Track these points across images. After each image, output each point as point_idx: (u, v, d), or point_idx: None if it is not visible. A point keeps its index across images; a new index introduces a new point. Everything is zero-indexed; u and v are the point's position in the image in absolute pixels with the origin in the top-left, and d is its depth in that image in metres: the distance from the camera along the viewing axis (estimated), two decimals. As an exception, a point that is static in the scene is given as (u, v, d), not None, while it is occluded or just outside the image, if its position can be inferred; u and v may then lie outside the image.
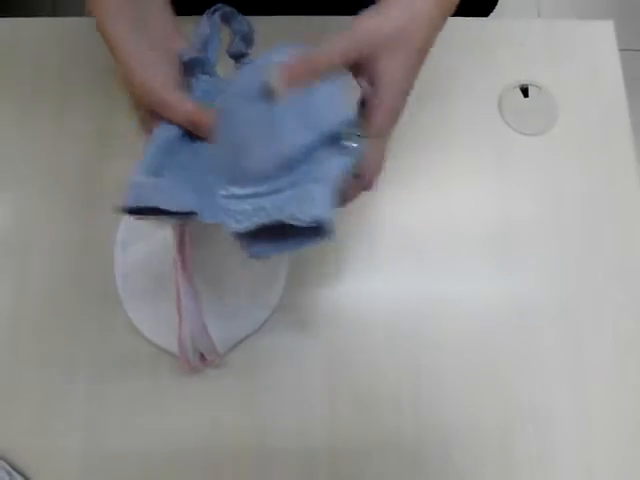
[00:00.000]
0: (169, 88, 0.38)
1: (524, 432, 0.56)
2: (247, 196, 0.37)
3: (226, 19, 0.43)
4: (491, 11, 1.20)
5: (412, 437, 0.56)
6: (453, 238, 0.62)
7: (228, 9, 0.43)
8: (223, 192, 0.38)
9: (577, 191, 0.64)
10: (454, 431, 0.56)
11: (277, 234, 0.37)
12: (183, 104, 0.38)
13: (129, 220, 0.61)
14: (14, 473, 0.54)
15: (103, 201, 0.63)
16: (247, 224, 0.36)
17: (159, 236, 0.51)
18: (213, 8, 0.42)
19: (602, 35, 0.70)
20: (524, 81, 0.68)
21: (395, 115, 0.41)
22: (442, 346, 0.59)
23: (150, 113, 0.39)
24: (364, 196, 0.63)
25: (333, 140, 0.37)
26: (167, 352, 0.57)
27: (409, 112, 0.66)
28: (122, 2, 0.39)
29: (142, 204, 0.37)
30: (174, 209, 0.36)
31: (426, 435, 0.56)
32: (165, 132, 0.39)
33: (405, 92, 0.41)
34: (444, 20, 0.43)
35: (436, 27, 0.42)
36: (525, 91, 0.68)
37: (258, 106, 0.37)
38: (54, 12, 1.45)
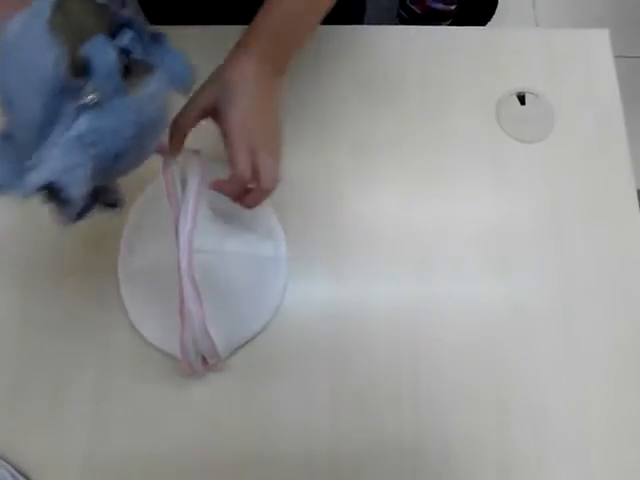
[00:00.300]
0: None
1: (522, 431, 0.57)
2: (29, 169, 0.37)
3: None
4: (489, 20, 1.21)
5: (411, 436, 0.56)
6: (452, 241, 0.63)
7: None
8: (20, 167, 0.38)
9: (574, 196, 0.65)
10: (453, 430, 0.57)
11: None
12: None
13: (135, 224, 0.62)
14: (17, 475, 0.54)
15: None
16: (27, 192, 0.37)
17: (164, 240, 0.52)
18: None
19: (597, 43, 0.72)
20: (521, 89, 0.69)
21: (245, 145, 0.48)
22: (442, 346, 0.59)
23: None
24: (365, 201, 0.64)
25: (65, 96, 0.36)
26: (169, 355, 0.57)
27: (407, 120, 0.67)
28: None
29: None
30: None
31: (425, 434, 0.57)
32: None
33: (251, 129, 0.49)
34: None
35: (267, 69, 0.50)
36: (522, 99, 0.69)
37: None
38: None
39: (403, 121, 0.68)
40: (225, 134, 0.48)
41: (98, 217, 0.65)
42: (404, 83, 0.70)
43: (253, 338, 0.59)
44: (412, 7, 1.40)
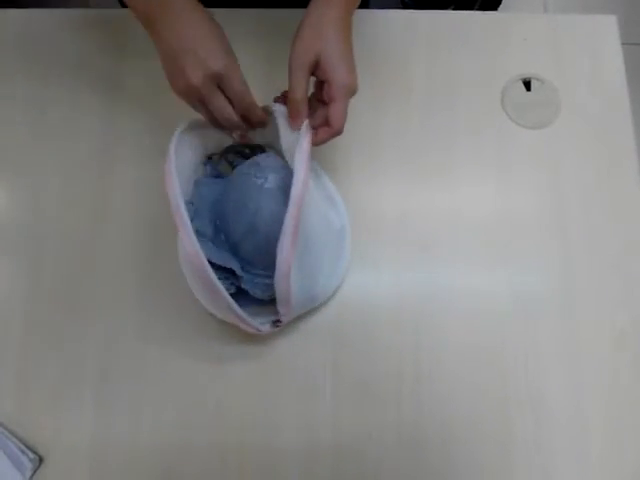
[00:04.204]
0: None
1: (522, 417, 0.57)
2: (261, 275, 0.56)
3: None
4: (499, 5, 1.20)
5: (412, 422, 0.57)
6: (455, 227, 0.63)
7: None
8: (240, 269, 0.56)
9: (578, 184, 0.65)
10: (453, 414, 0.58)
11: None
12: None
13: None
14: (27, 450, 0.56)
15: (116, 191, 0.64)
16: (267, 294, 0.56)
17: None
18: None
19: (605, 30, 0.71)
20: (527, 75, 0.69)
21: (347, 103, 0.54)
22: (443, 333, 0.60)
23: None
24: (368, 186, 0.65)
25: None
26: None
27: (412, 104, 0.67)
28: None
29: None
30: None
31: (426, 419, 0.57)
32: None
33: (349, 59, 0.53)
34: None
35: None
36: (528, 84, 0.69)
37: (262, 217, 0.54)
38: (84, 3, 1.44)
39: (408, 106, 0.68)
40: (331, 88, 0.52)
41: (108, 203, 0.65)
42: (409, 68, 0.69)
43: (321, 305, 0.60)
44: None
